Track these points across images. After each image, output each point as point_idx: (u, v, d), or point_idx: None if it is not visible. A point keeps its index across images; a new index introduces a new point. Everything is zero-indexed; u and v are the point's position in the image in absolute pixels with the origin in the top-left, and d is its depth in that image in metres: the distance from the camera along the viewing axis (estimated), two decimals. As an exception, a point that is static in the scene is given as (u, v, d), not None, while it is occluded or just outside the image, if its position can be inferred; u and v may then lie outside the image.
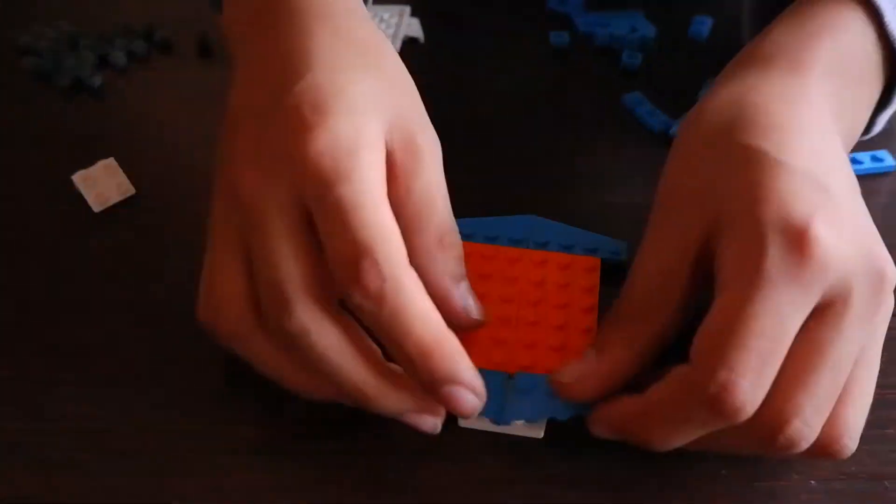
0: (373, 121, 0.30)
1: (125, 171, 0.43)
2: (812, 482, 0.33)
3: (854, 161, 0.44)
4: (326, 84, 0.30)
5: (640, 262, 0.32)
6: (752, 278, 0.27)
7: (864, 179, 0.43)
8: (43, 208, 0.42)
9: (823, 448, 0.29)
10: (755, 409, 0.27)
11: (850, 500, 0.32)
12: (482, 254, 0.37)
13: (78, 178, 0.43)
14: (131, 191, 0.43)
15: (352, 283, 0.27)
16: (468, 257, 0.33)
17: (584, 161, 0.45)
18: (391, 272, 0.27)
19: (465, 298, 0.31)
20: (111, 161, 0.43)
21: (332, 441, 0.33)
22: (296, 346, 0.29)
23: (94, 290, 0.39)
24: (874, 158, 0.44)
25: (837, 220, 0.28)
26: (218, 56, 0.51)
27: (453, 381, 0.28)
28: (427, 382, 0.28)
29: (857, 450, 0.33)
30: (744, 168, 0.29)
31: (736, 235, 0.28)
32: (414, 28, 0.53)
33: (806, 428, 0.28)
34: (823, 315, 0.28)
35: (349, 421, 0.33)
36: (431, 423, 0.31)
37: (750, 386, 0.27)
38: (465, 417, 0.30)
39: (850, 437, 0.29)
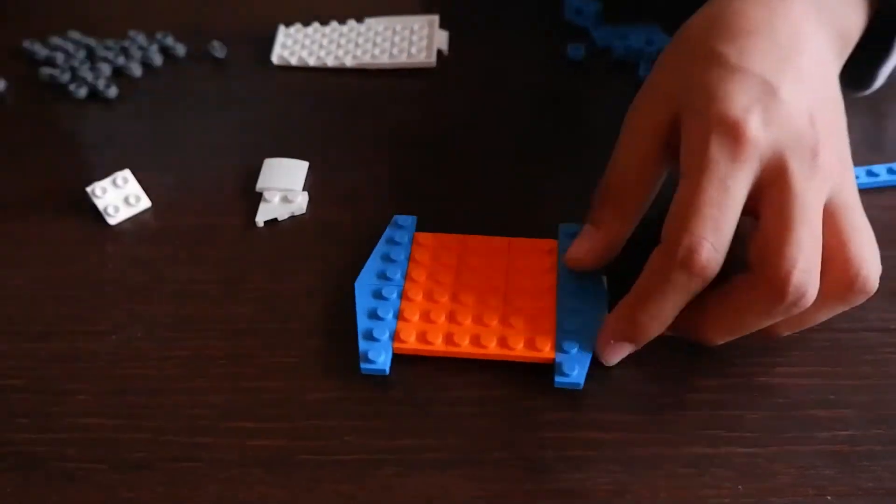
0: None
1: (140, 182, 0.43)
2: (829, 497, 0.32)
3: (871, 174, 0.44)
4: None
5: (621, 147, 0.37)
6: (700, 163, 0.33)
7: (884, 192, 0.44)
8: (58, 219, 0.42)
9: (845, 287, 0.34)
10: (719, 268, 0.33)
11: (868, 516, 0.32)
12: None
13: (92, 190, 0.43)
14: (146, 203, 0.43)
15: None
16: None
17: (600, 171, 0.45)
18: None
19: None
20: (126, 172, 0.43)
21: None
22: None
23: (107, 301, 0.39)
24: (890, 171, 0.44)
25: (773, 113, 0.33)
26: (231, 66, 0.52)
27: None
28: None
29: (874, 465, 0.33)
30: (706, 70, 0.35)
31: (691, 127, 0.34)
32: (442, 40, 0.53)
33: (805, 274, 0.32)
34: (773, 186, 0.33)
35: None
36: None
37: (710, 245, 0.32)
38: None
39: (866, 268, 0.34)
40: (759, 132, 0.33)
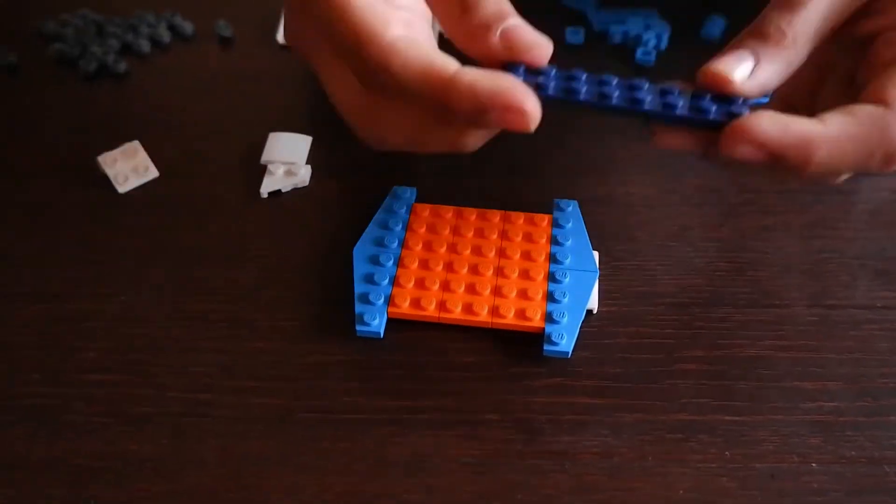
0: None
1: (148, 154, 0.44)
2: (813, 465, 0.33)
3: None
4: None
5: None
6: None
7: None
8: (69, 188, 0.43)
9: None
10: None
11: (849, 483, 0.33)
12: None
13: (103, 159, 0.44)
14: (154, 172, 0.44)
15: (364, 81, 0.30)
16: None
17: (596, 153, 0.46)
18: (374, 58, 0.29)
19: (505, 39, 0.31)
20: (135, 143, 0.45)
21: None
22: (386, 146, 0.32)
23: (116, 265, 0.40)
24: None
25: None
26: (237, 44, 0.53)
27: (483, 110, 0.28)
28: (472, 121, 0.29)
29: (858, 435, 0.34)
30: None
31: None
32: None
33: None
34: None
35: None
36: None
37: None
38: (526, 131, 0.29)
39: None
40: None
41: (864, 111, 0.30)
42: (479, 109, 0.28)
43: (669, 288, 0.39)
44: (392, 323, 0.37)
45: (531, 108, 0.29)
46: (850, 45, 0.34)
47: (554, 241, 0.39)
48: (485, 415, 0.35)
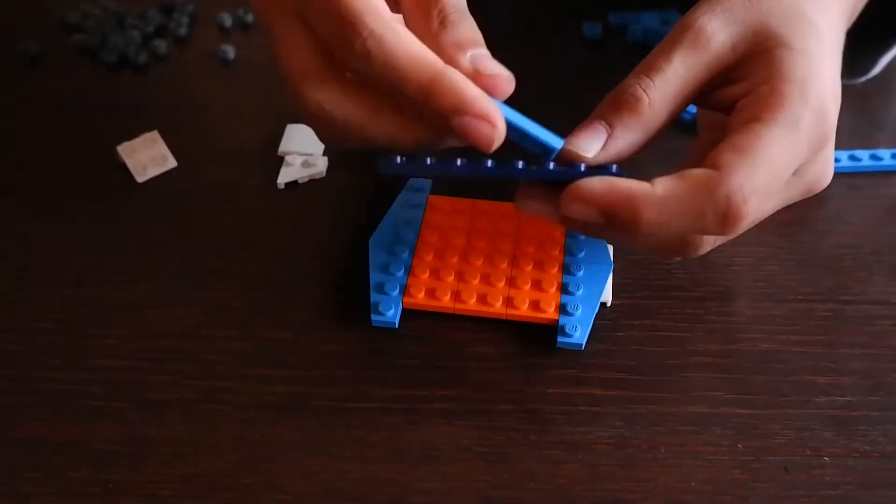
0: None
1: (167, 144, 0.45)
2: (826, 458, 0.33)
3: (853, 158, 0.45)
4: None
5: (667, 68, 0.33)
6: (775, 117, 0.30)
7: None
8: (90, 177, 0.44)
9: None
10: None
11: (862, 476, 0.33)
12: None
13: (122, 149, 0.44)
14: (173, 162, 0.44)
15: (342, 51, 0.30)
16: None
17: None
18: (371, 29, 0.29)
19: (472, 63, 0.31)
20: (154, 133, 0.45)
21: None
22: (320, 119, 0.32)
23: (135, 253, 0.40)
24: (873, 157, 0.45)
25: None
26: (255, 33, 0.53)
27: (460, 110, 0.29)
28: (438, 119, 0.29)
29: (871, 429, 0.34)
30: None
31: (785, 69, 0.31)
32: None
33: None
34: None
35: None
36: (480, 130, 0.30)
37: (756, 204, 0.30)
38: (486, 148, 0.30)
39: None
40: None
41: (694, 174, 0.30)
42: (457, 109, 0.29)
43: (684, 282, 0.39)
44: (407, 313, 0.37)
45: (501, 127, 0.30)
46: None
47: (568, 233, 0.40)
48: (498, 405, 0.35)
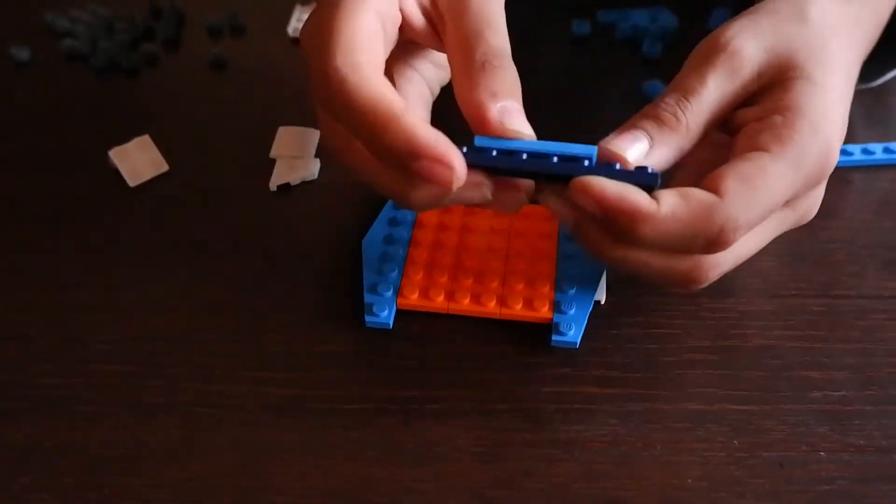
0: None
1: (159, 148, 0.45)
2: (821, 453, 0.33)
3: (867, 152, 0.45)
4: None
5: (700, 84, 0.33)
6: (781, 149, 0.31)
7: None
8: (82, 181, 0.44)
9: None
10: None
11: (857, 471, 0.33)
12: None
13: (114, 153, 0.44)
14: (164, 167, 0.44)
15: (313, 83, 0.31)
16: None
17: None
18: (336, 67, 0.30)
19: (501, 114, 0.31)
20: (146, 138, 0.45)
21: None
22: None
23: (127, 257, 0.40)
24: (886, 150, 0.45)
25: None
26: (248, 38, 0.53)
27: (415, 154, 0.29)
28: (396, 162, 0.30)
29: (865, 424, 0.34)
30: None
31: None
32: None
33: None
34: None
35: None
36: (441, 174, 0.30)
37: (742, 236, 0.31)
38: (447, 189, 0.30)
39: None
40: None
41: (696, 196, 0.30)
42: (412, 153, 0.29)
43: (677, 278, 0.39)
44: (401, 314, 0.37)
45: (458, 167, 0.29)
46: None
47: (562, 230, 0.40)
48: (493, 404, 0.35)
